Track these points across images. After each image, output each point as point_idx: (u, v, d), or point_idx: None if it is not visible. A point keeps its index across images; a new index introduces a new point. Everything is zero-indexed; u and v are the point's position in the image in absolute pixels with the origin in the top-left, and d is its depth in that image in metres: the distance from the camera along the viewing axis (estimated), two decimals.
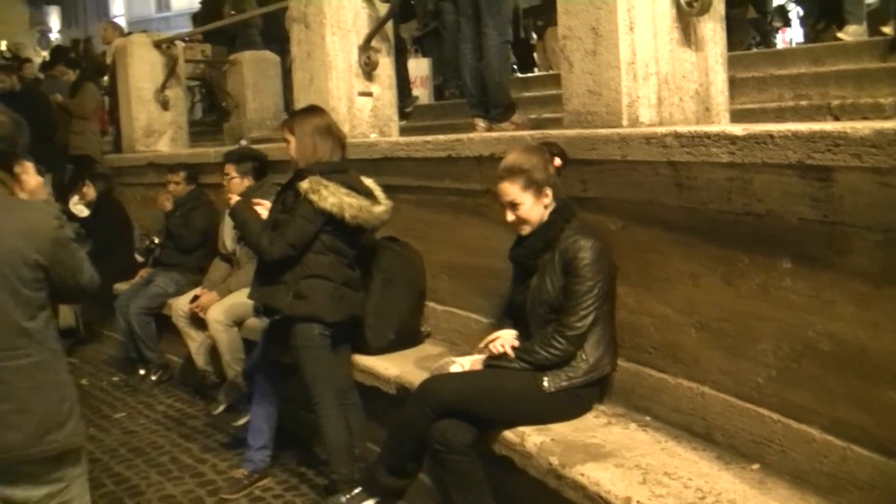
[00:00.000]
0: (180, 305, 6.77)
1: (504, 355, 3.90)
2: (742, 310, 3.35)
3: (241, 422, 5.58)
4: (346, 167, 4.80)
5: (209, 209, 7.48)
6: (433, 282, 5.35)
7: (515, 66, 11.03)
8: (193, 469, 5.47)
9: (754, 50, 8.75)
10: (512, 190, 3.91)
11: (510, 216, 3.96)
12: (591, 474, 3.32)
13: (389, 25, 6.21)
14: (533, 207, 3.92)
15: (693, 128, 3.47)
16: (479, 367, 4.03)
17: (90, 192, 8.59)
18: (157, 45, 9.56)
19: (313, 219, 4.58)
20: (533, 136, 4.38)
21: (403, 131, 6.56)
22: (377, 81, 6.16)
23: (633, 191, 3.79)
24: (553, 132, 4.33)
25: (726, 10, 4.30)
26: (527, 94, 7.68)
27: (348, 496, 4.47)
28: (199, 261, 7.28)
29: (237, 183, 6.18)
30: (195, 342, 6.67)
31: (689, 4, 4.06)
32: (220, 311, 6.19)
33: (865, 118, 4.80)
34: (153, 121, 9.55)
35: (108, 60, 11.63)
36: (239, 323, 6.12)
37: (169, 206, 7.62)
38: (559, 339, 3.79)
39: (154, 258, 7.86)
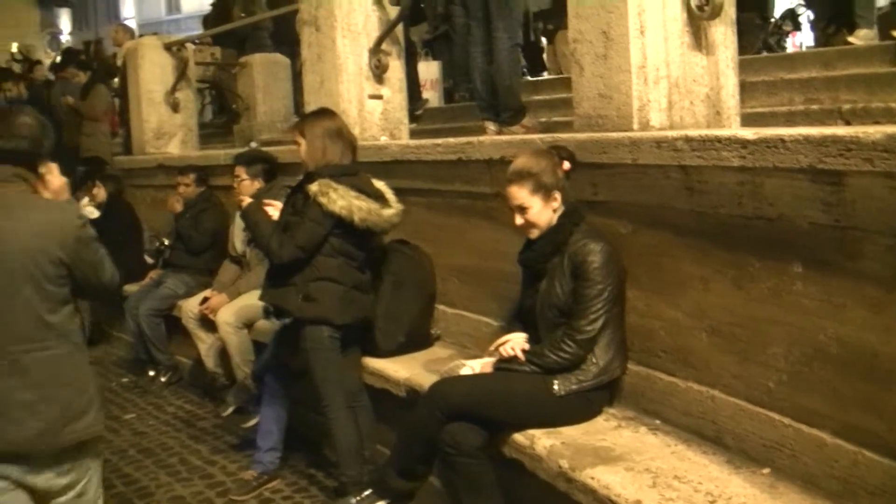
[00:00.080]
0: (190, 307, 6.77)
1: (514, 358, 3.91)
2: (753, 314, 3.35)
3: (251, 423, 5.59)
4: (356, 170, 4.80)
5: (219, 211, 7.49)
6: (443, 285, 5.35)
7: (526, 70, 11.02)
8: (203, 470, 5.48)
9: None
10: (520, 193, 3.91)
11: (519, 220, 3.97)
12: (601, 478, 3.32)
13: (400, 28, 6.22)
14: (541, 211, 3.92)
15: (704, 132, 3.47)
16: (489, 370, 4.03)
17: (100, 193, 8.60)
18: (168, 47, 9.57)
19: (322, 221, 4.59)
20: (543, 139, 4.38)
21: (413, 134, 6.57)
22: (387, 84, 6.17)
23: (644, 194, 3.78)
24: (563, 136, 4.34)
25: (737, 14, 4.30)
26: (537, 98, 7.67)
27: (358, 498, 4.47)
28: (208, 263, 7.30)
29: (247, 185, 6.19)
30: (205, 344, 6.67)
31: (700, 8, 4.06)
32: (230, 313, 6.20)
33: (877, 122, 4.79)
34: (163, 123, 9.57)
35: (119, 63, 11.65)
36: (249, 325, 6.13)
37: (179, 207, 7.62)
38: (569, 342, 3.79)
39: (164, 260, 7.87)
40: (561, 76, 8.98)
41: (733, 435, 3.46)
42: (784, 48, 10.78)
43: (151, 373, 7.45)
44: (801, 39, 12.36)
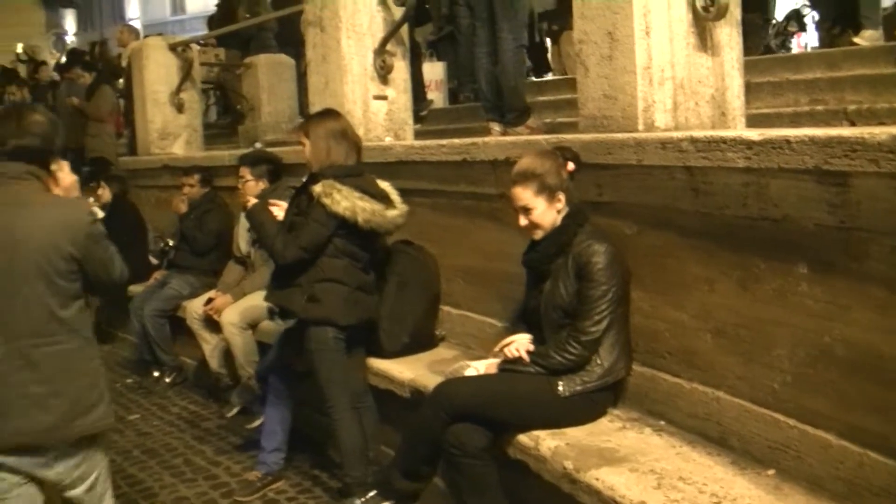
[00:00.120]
0: (194, 308, 6.78)
1: (519, 359, 3.91)
2: (758, 315, 3.34)
3: (255, 424, 5.60)
4: (360, 171, 4.80)
5: (223, 212, 7.49)
6: (448, 285, 5.35)
7: (531, 70, 11.02)
8: (207, 471, 5.49)
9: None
10: (524, 194, 3.91)
11: (523, 220, 3.97)
12: (606, 479, 3.31)
13: (404, 29, 6.21)
14: (545, 212, 3.92)
15: (709, 132, 3.47)
16: (493, 370, 4.03)
17: (105, 194, 8.60)
18: (173, 48, 9.59)
19: (326, 222, 4.59)
20: (548, 140, 4.38)
21: (418, 135, 6.57)
22: (392, 85, 6.16)
23: (649, 195, 3.78)
24: (568, 136, 4.34)
25: (742, 15, 4.29)
26: (541, 98, 7.67)
27: (362, 499, 4.48)
28: (213, 263, 7.29)
29: (252, 186, 6.19)
30: (209, 345, 6.68)
31: (706, 9, 4.06)
32: (235, 313, 6.20)
33: (882, 123, 4.79)
34: (168, 123, 9.58)
35: (124, 63, 11.65)
36: (253, 326, 6.13)
37: (183, 208, 7.63)
38: (574, 343, 3.79)
39: (168, 260, 7.88)
40: (566, 77, 8.97)
41: (738, 436, 3.46)
42: (789, 49, 10.78)
43: (156, 373, 7.46)
44: (806, 40, 12.36)
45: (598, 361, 3.82)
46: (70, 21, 46.53)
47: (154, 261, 8.30)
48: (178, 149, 9.56)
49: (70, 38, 42.33)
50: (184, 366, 7.48)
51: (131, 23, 33.86)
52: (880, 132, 2.73)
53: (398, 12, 6.05)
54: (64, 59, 17.30)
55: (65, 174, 3.40)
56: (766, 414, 3.33)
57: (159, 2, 46.24)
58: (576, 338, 3.79)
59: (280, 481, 5.13)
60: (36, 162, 3.27)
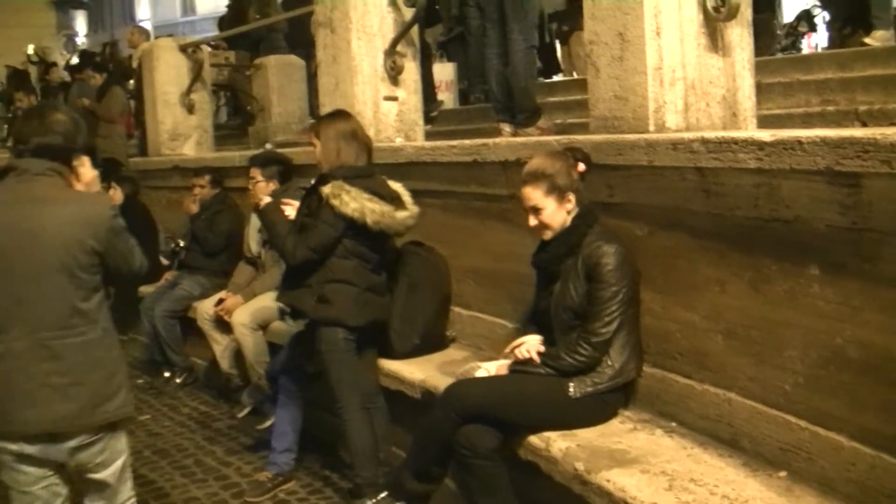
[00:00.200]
0: (205, 308, 6.80)
1: (529, 361, 3.91)
2: (769, 316, 3.34)
3: (266, 425, 5.61)
4: (371, 172, 4.80)
5: (234, 213, 7.50)
6: (459, 286, 5.35)
7: (541, 71, 11.02)
8: (217, 472, 5.50)
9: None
10: (534, 195, 3.91)
11: (532, 221, 3.97)
12: (617, 480, 3.31)
13: (415, 30, 6.22)
14: (555, 212, 3.92)
15: (720, 133, 3.46)
16: (504, 372, 4.03)
17: (116, 194, 8.58)
18: (183, 49, 9.62)
19: (335, 224, 4.59)
20: (559, 140, 4.37)
21: (429, 136, 6.57)
22: (403, 86, 6.16)
23: (660, 196, 3.78)
24: (579, 137, 4.33)
25: (752, 16, 4.29)
26: (552, 99, 7.67)
27: (373, 500, 4.48)
28: (223, 264, 7.30)
29: (262, 186, 6.19)
30: (220, 345, 6.70)
31: (717, 10, 4.05)
32: (245, 314, 6.21)
33: (893, 124, 4.78)
34: (178, 124, 9.59)
35: (135, 64, 11.70)
36: (264, 326, 6.14)
37: (194, 209, 7.64)
38: (584, 345, 3.78)
39: (179, 261, 7.88)
40: (576, 78, 8.98)
41: (750, 438, 3.45)
42: (799, 49, 10.76)
43: (166, 374, 7.48)
44: (817, 40, 12.34)
45: (609, 363, 3.82)
46: (81, 22, 46.73)
47: (165, 261, 8.30)
48: (189, 150, 9.58)
49: (81, 40, 42.54)
50: (194, 366, 7.49)
51: (142, 24, 33.91)
52: (892, 133, 2.72)
53: (408, 13, 6.05)
54: (75, 61, 17.38)
55: (86, 169, 3.50)
56: (778, 415, 3.32)
57: (170, 3, 46.35)
58: (586, 339, 3.79)
59: (291, 482, 5.13)
60: (58, 159, 3.37)
